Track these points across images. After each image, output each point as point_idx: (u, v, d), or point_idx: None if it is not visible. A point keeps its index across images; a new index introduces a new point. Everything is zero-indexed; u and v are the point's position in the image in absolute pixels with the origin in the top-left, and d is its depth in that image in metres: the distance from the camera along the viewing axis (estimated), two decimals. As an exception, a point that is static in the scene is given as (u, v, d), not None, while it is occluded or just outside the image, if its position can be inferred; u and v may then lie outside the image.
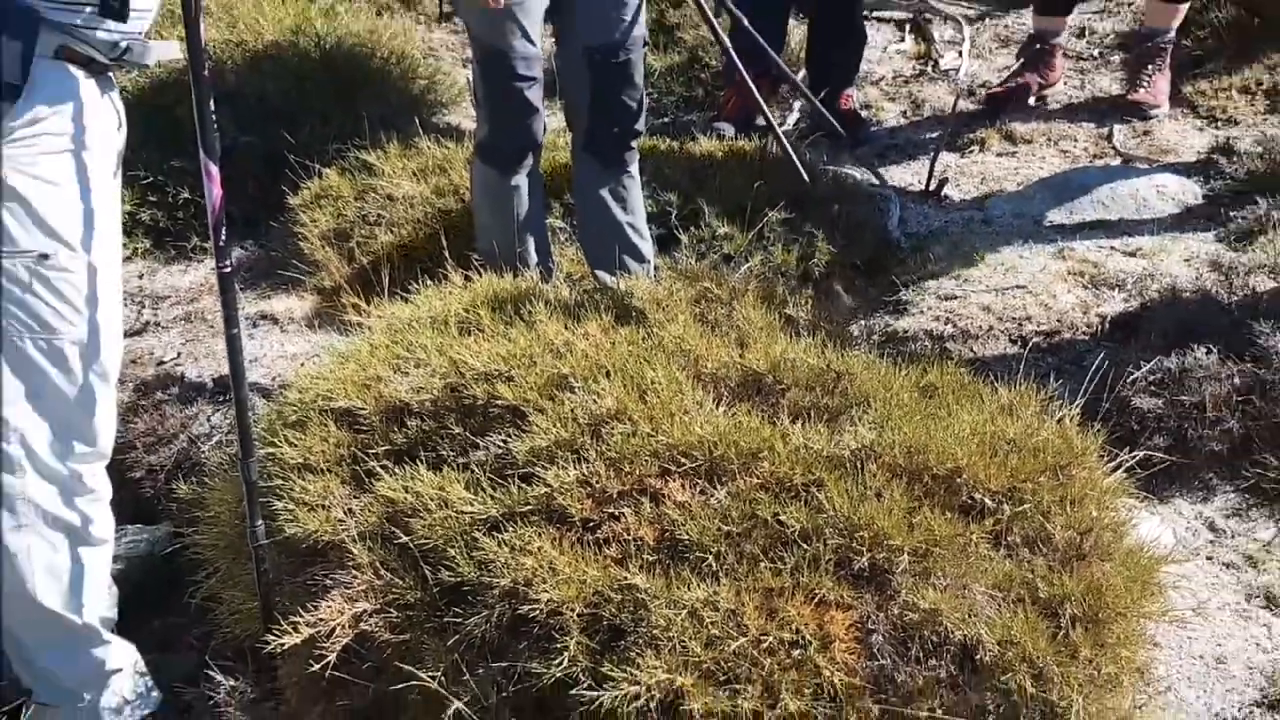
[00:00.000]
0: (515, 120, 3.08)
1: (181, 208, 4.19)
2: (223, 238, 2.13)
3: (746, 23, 4.08)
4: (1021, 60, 4.88)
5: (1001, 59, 5.31)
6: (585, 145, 3.20)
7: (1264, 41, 4.74)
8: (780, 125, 4.77)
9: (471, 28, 3.08)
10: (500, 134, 3.12)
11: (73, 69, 2.00)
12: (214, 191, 2.10)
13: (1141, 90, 4.61)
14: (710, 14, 3.89)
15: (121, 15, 1.96)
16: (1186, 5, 4.59)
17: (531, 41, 2.99)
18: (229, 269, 2.17)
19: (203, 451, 3.06)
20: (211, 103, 2.08)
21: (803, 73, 4.88)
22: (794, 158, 3.41)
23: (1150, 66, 4.63)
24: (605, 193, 3.21)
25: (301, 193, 4.03)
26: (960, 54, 5.34)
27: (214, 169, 2.09)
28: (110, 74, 2.11)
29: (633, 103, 3.13)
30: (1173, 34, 4.63)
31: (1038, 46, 4.82)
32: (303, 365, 2.96)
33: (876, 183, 4.25)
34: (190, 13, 2.01)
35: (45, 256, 1.98)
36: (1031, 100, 4.80)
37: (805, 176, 3.47)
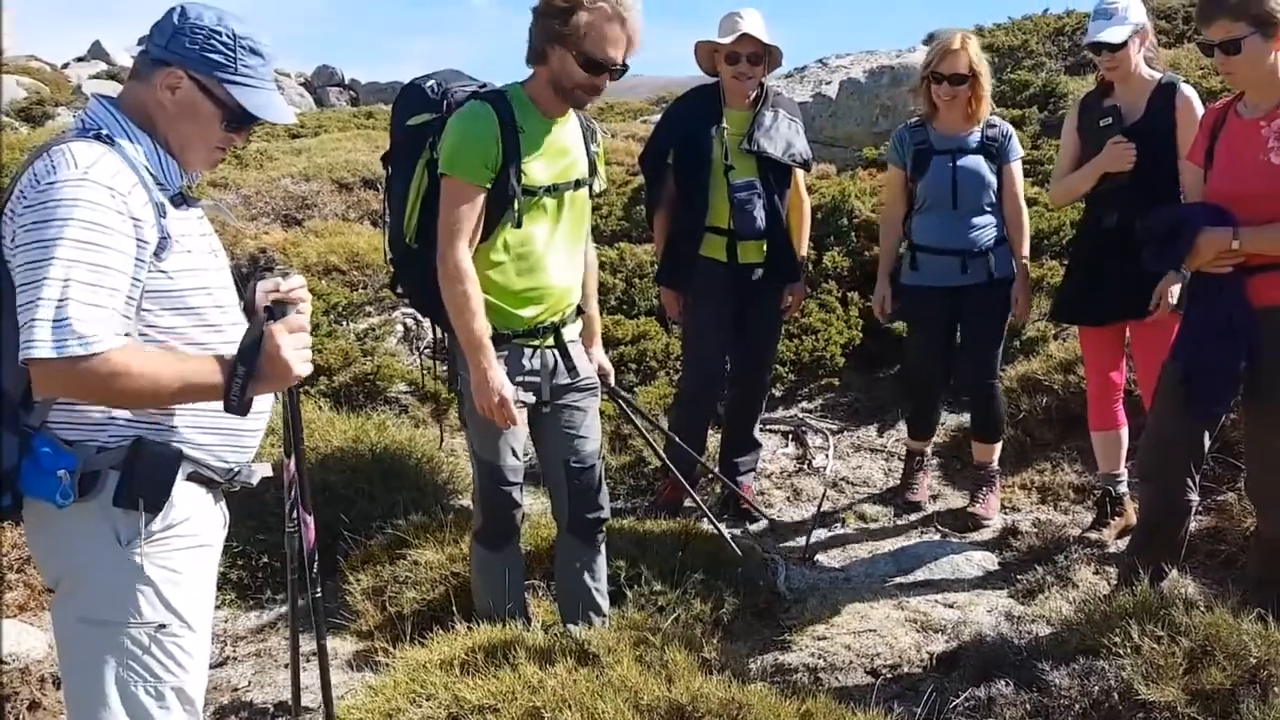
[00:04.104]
0: (502, 513, 3.11)
1: (261, 569, 4.17)
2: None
3: (678, 439, 4.30)
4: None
5: (855, 460, 5.52)
6: (568, 528, 3.19)
7: (1036, 453, 4.99)
8: (698, 509, 4.88)
9: (473, 444, 3.10)
10: (491, 522, 3.13)
11: (198, 487, 2.10)
12: (309, 535, 2.12)
13: (979, 505, 4.54)
14: (651, 439, 4.07)
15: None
16: (1000, 443, 4.62)
17: (517, 457, 3.05)
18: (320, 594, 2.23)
19: (261, 763, 2.94)
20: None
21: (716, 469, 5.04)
22: (721, 531, 3.50)
23: (985, 488, 4.58)
24: (580, 565, 3.20)
25: (350, 557, 4.03)
26: (827, 456, 5.56)
27: (309, 519, 2.13)
28: (220, 488, 2.20)
29: (598, 495, 3.18)
30: (995, 464, 4.58)
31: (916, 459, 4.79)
32: (341, 697, 2.88)
33: (766, 553, 4.32)
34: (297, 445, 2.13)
35: (163, 626, 2.00)
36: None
37: (729, 543, 3.54)
